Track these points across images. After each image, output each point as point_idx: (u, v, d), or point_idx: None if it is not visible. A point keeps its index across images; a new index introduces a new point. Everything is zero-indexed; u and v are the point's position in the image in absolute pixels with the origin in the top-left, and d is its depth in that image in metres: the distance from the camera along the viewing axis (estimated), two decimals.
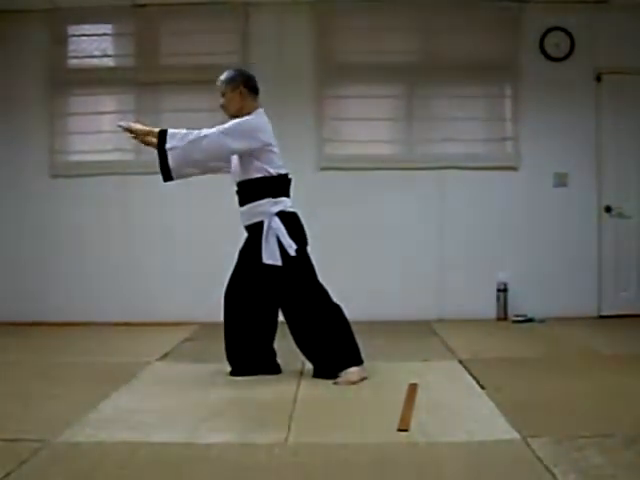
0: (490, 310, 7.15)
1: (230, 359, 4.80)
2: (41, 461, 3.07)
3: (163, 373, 4.94)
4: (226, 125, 4.55)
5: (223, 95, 4.76)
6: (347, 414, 3.83)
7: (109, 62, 7.45)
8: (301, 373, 4.72)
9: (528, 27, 7.18)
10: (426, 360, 5.20)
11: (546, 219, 7.21)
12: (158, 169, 4.47)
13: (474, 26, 7.17)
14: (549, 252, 7.20)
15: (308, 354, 4.69)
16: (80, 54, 7.35)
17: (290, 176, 4.75)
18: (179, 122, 7.12)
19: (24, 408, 3.96)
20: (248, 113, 4.67)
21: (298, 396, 4.18)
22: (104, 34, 7.43)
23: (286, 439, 3.37)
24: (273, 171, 4.60)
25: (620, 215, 7.21)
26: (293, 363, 4.85)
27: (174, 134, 4.48)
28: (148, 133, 4.61)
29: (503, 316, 7.12)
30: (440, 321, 7.02)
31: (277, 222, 4.55)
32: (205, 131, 4.48)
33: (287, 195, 4.70)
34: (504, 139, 7.30)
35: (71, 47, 7.38)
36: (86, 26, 7.37)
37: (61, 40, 7.33)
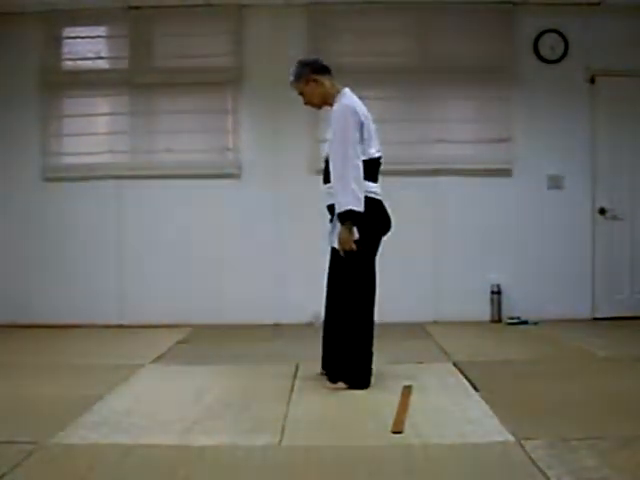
0: (484, 312, 7.15)
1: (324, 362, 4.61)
2: (34, 463, 3.07)
3: (157, 375, 4.93)
4: (335, 146, 4.37)
5: (301, 93, 4.65)
6: (341, 416, 3.83)
7: (103, 64, 7.42)
8: (295, 375, 4.71)
9: (522, 29, 7.20)
10: (420, 362, 5.20)
11: (540, 221, 7.22)
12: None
13: (469, 28, 7.18)
14: (543, 254, 7.20)
15: (330, 349, 4.53)
16: (74, 56, 7.34)
17: (381, 159, 4.62)
18: (172, 124, 7.21)
19: (17, 410, 3.96)
20: (333, 98, 4.54)
21: (292, 398, 4.18)
22: (98, 36, 7.42)
23: (280, 441, 3.37)
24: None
25: (614, 217, 7.21)
26: (287, 365, 4.83)
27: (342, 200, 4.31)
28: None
29: (497, 318, 7.13)
30: (434, 323, 7.02)
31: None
32: (335, 167, 4.34)
33: (370, 178, 4.45)
34: (498, 141, 7.30)
35: (65, 49, 7.36)
36: (80, 28, 7.35)
37: (55, 42, 7.31)
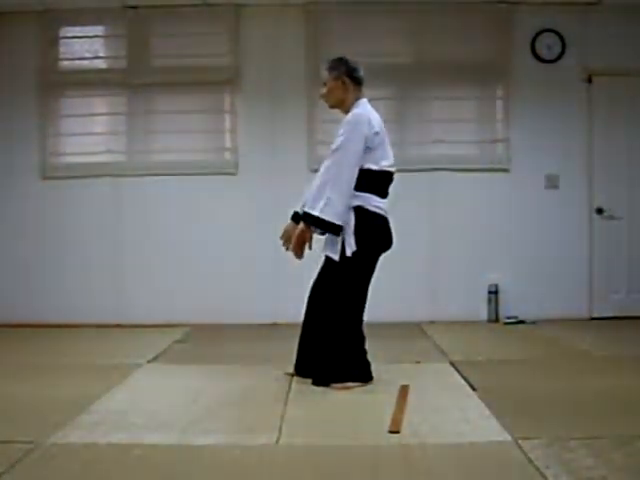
0: (481, 312, 7.16)
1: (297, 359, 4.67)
2: (32, 462, 3.06)
3: (154, 375, 4.93)
4: (333, 151, 4.30)
5: (325, 84, 4.53)
6: (338, 416, 3.83)
7: (101, 64, 7.44)
8: (293, 375, 4.71)
9: (519, 29, 7.20)
10: (417, 362, 5.20)
11: (537, 221, 7.23)
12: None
13: (466, 28, 7.19)
14: (540, 254, 7.21)
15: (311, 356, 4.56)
16: (72, 56, 7.34)
17: (393, 175, 4.53)
18: (170, 124, 7.21)
19: (15, 409, 3.95)
20: (348, 107, 4.47)
21: (289, 398, 4.18)
22: (96, 36, 7.42)
23: (277, 441, 3.37)
24: (365, 165, 4.30)
25: (611, 217, 7.22)
26: (284, 365, 4.83)
27: (310, 202, 4.32)
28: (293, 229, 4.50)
29: (494, 318, 7.13)
30: (431, 323, 7.03)
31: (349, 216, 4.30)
32: (326, 168, 4.30)
33: (377, 192, 4.40)
34: (495, 141, 7.31)
35: (63, 49, 7.37)
36: (78, 28, 7.35)
37: (53, 42, 7.31)
